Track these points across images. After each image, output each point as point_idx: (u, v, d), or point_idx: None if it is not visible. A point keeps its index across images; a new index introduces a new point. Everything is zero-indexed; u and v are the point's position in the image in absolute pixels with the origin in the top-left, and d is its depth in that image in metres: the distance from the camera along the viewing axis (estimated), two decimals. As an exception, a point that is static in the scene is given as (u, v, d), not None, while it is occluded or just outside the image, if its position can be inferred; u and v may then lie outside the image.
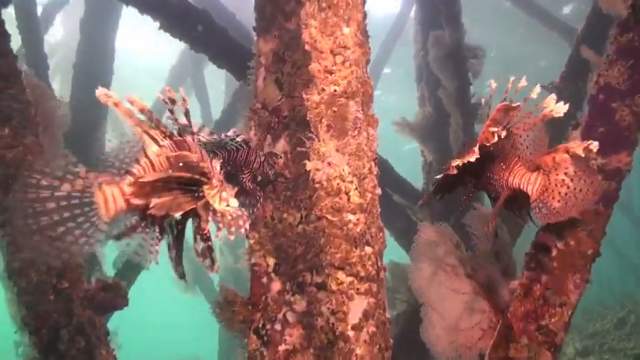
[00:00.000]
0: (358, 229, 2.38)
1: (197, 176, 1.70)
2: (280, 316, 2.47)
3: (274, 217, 2.56)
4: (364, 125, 2.45)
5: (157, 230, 1.79)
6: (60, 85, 13.04)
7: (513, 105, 2.18)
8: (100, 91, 1.62)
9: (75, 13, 8.67)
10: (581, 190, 2.26)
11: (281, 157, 2.53)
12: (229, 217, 1.74)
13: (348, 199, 2.38)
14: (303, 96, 2.45)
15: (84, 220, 1.65)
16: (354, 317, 2.35)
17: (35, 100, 4.03)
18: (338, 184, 2.37)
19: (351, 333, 2.33)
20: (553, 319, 3.10)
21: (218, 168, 1.81)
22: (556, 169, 2.28)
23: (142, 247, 1.78)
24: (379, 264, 2.49)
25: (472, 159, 2.16)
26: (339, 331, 2.33)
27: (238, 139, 2.08)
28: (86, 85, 7.39)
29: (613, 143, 3.14)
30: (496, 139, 2.16)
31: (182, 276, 1.93)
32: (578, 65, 6.04)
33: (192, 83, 12.86)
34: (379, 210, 2.53)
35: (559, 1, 10.45)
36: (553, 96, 2.18)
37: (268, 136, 2.65)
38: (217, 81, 12.67)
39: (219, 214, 1.74)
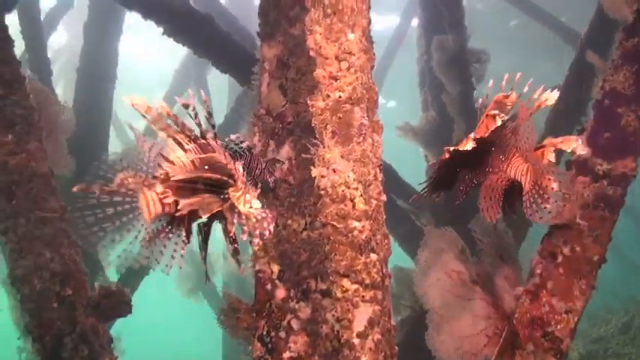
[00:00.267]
0: (363, 236, 2.36)
1: (225, 177, 1.70)
2: (285, 323, 2.45)
3: (279, 224, 2.55)
4: (369, 131, 2.44)
5: (184, 234, 1.79)
6: (63, 90, 13.08)
7: (507, 94, 2.11)
8: (127, 99, 1.59)
9: (78, 18, 8.68)
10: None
11: (284, 164, 2.52)
12: (254, 220, 1.74)
13: (353, 206, 2.36)
14: (308, 102, 2.44)
15: (132, 226, 1.68)
16: (359, 325, 2.33)
17: (39, 105, 4.04)
18: (343, 190, 2.36)
19: (356, 341, 2.32)
20: (559, 326, 3.08)
21: (241, 170, 1.81)
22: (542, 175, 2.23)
23: (161, 253, 1.78)
24: (384, 271, 2.47)
25: (468, 147, 2.10)
26: (344, 338, 2.32)
27: (243, 145, 2.07)
28: (90, 90, 7.41)
29: (619, 148, 3.13)
30: (499, 123, 2.05)
31: (208, 277, 1.97)
32: (581, 70, 6.04)
33: (195, 88, 12.87)
34: (384, 217, 2.52)
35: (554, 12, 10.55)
36: (542, 87, 2.14)
37: (272, 142, 2.64)
38: (222, 86, 12.68)
39: (243, 217, 1.74)
